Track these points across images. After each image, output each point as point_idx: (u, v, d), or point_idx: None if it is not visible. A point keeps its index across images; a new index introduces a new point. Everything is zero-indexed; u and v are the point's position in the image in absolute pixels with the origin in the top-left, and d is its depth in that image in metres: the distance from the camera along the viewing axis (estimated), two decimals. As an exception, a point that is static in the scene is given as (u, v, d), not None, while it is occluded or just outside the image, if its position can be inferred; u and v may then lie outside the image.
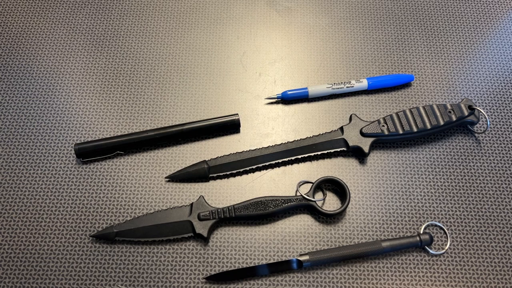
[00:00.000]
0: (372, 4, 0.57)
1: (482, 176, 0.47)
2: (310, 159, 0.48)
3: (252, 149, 0.47)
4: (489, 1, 0.57)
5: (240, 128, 0.49)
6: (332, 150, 0.47)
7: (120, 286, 0.42)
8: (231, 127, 0.48)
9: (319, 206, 0.44)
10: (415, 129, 0.46)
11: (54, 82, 0.51)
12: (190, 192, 0.46)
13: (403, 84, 0.52)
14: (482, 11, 0.57)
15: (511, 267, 0.43)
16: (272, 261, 0.43)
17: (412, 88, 0.52)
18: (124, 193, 0.46)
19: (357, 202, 0.46)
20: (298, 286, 0.42)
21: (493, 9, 0.57)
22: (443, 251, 0.43)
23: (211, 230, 0.43)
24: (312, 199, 0.44)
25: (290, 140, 0.48)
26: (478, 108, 0.48)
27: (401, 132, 0.46)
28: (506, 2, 0.57)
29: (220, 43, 0.54)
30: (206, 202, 0.44)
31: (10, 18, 0.55)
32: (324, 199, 0.45)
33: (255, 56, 0.53)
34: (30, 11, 0.55)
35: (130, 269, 0.43)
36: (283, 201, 0.44)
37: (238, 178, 0.47)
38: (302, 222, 0.45)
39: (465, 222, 0.45)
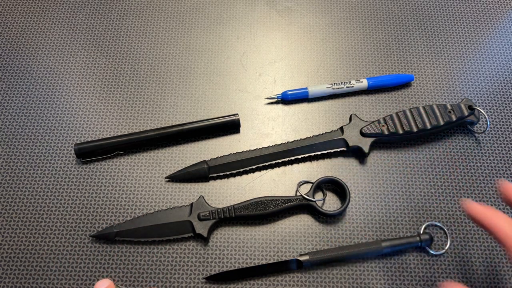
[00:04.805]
0: (372, 4, 0.57)
1: (482, 176, 0.47)
2: (310, 159, 0.48)
3: (252, 149, 0.47)
4: (489, 1, 0.57)
5: (240, 128, 0.49)
6: (332, 150, 0.47)
7: (120, 286, 0.42)
8: (231, 127, 0.48)
9: (319, 206, 0.44)
10: (415, 129, 0.46)
11: (54, 82, 0.51)
12: (190, 192, 0.46)
13: (403, 84, 0.52)
14: (482, 11, 0.57)
15: (511, 267, 0.43)
16: (272, 261, 0.43)
17: (412, 88, 0.52)
18: (124, 193, 0.46)
19: (357, 202, 0.46)
20: (298, 286, 0.42)
21: (493, 9, 0.57)
22: (443, 251, 0.43)
23: (211, 230, 0.43)
24: (312, 199, 0.44)
25: (290, 140, 0.48)
26: (478, 108, 0.48)
27: (401, 132, 0.46)
28: (506, 2, 0.57)
29: (220, 43, 0.54)
30: (206, 202, 0.44)
31: (10, 18, 0.55)
32: (324, 199, 0.45)
33: (255, 56, 0.53)
34: (30, 11, 0.55)
35: (130, 269, 0.43)
36: (283, 201, 0.44)
37: (238, 178, 0.47)
38: (302, 222, 0.45)
39: (465, 222, 0.45)
